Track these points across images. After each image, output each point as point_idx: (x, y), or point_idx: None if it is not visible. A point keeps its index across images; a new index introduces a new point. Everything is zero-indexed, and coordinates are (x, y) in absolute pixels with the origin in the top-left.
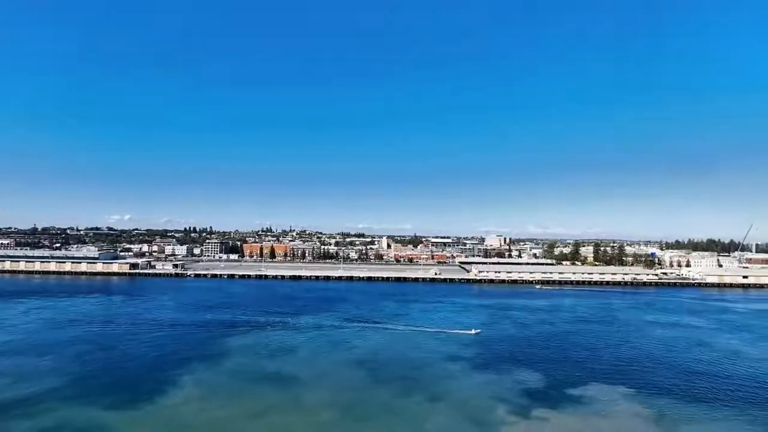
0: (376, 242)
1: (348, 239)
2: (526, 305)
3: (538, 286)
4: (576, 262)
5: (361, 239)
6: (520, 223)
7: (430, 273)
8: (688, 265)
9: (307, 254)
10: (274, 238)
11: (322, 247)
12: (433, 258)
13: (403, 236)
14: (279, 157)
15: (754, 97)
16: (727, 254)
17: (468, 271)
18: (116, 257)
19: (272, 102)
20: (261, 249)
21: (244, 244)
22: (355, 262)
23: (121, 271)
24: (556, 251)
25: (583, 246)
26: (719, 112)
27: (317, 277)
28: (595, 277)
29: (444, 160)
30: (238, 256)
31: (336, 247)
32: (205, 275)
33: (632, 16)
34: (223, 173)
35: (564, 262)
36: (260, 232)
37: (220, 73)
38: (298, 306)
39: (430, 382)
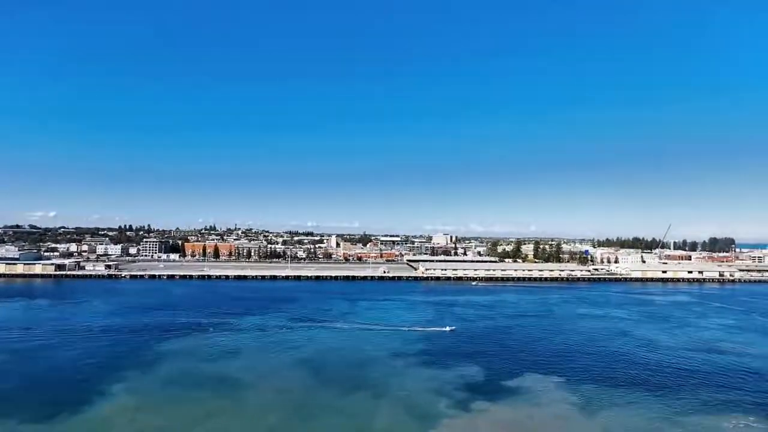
0: (324, 241)
1: (296, 238)
2: (470, 301)
3: (474, 283)
4: (517, 260)
5: (310, 238)
6: (466, 222)
7: (379, 271)
8: (616, 261)
9: (253, 253)
10: (218, 237)
11: (269, 246)
12: (382, 256)
13: (352, 235)
14: (224, 156)
15: (673, 107)
16: (649, 251)
17: (416, 269)
18: (40, 258)
19: (215, 99)
20: (204, 248)
21: (185, 243)
22: (303, 261)
23: (45, 272)
24: (499, 249)
25: (524, 244)
26: (645, 120)
27: (263, 277)
28: (535, 274)
29: (391, 160)
30: (179, 256)
31: (283, 246)
32: (141, 276)
33: None
34: (162, 171)
35: (506, 260)
36: (203, 231)
37: (165, 69)
38: (243, 307)
39: (376, 380)
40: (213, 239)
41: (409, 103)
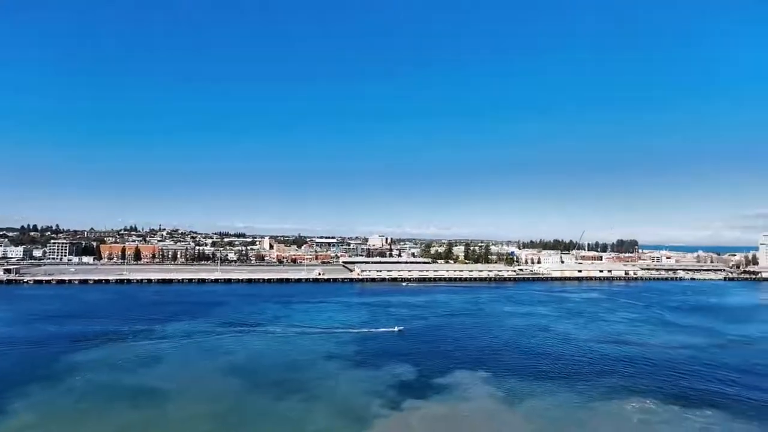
0: (257, 242)
1: (226, 239)
2: (404, 302)
3: (404, 284)
4: (449, 261)
5: (241, 239)
6: (401, 224)
7: (314, 273)
8: (539, 262)
9: (179, 255)
10: (140, 238)
11: (197, 247)
12: (317, 258)
13: (287, 236)
14: (146, 152)
15: (582, 121)
16: (567, 252)
17: (351, 271)
18: None
19: (137, 93)
20: (123, 250)
21: (101, 245)
22: (234, 263)
23: None
24: (432, 251)
25: (456, 246)
26: (561, 132)
27: (191, 281)
28: (465, 274)
29: (328, 162)
30: (94, 259)
31: (213, 248)
32: (48, 281)
33: None
34: (74, 166)
35: (439, 261)
36: (123, 232)
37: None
38: (168, 312)
39: (310, 383)
40: (134, 241)
41: (348, 104)
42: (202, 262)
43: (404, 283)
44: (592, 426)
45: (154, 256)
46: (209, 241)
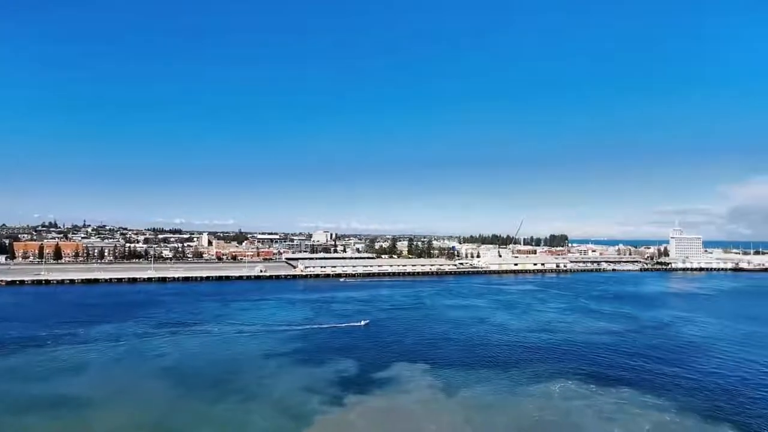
0: (195, 239)
1: (161, 236)
2: (349, 297)
3: (342, 279)
4: (393, 256)
5: (177, 236)
6: (347, 220)
7: (256, 270)
8: (478, 256)
9: (107, 254)
10: (61, 235)
11: (128, 245)
12: (259, 255)
13: (227, 232)
14: (67, 143)
15: (517, 120)
16: (504, 246)
17: (295, 267)
18: None
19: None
20: (41, 248)
21: (15, 243)
22: (169, 261)
23: None
24: (377, 246)
25: (400, 241)
26: (498, 130)
27: (120, 280)
28: (408, 269)
29: (270, 157)
30: (6, 258)
31: (146, 245)
32: None
33: None
34: None
35: (383, 256)
36: (40, 228)
37: None
38: (93, 314)
39: (249, 383)
40: (53, 238)
41: (289, 99)
42: (134, 261)
43: (341, 279)
44: (519, 407)
45: (77, 255)
46: (141, 237)
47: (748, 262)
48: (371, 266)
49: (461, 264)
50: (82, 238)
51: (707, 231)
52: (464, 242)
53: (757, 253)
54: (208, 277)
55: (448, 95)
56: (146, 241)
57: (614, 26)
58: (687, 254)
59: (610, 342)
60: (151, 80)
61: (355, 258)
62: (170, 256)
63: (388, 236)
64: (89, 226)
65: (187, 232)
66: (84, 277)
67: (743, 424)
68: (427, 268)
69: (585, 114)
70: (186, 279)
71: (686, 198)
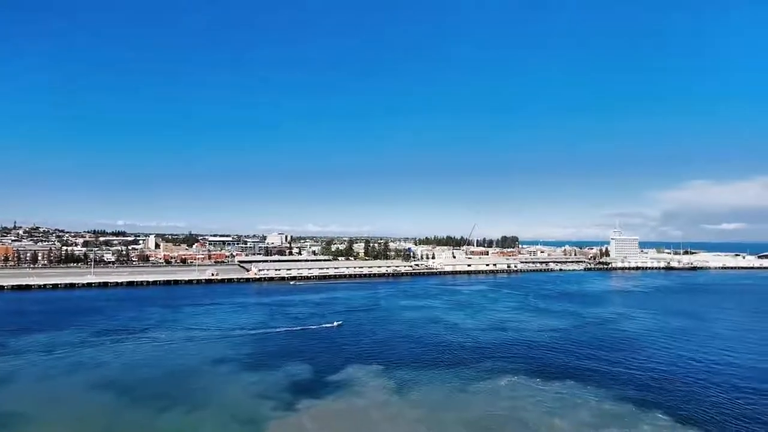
0: (140, 242)
1: (102, 238)
2: (304, 300)
3: (292, 282)
4: (350, 258)
5: (121, 238)
6: (302, 222)
7: (207, 274)
8: (433, 257)
9: (41, 257)
10: None
11: (65, 248)
12: (210, 258)
13: (176, 235)
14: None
15: (469, 126)
16: (458, 248)
17: (248, 270)
18: None
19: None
20: None
21: None
22: (111, 265)
23: None
24: (333, 248)
25: (356, 243)
26: (453, 136)
27: (56, 286)
28: (365, 271)
29: (225, 159)
30: None
31: (85, 248)
32: None
33: None
34: None
35: (340, 258)
36: None
37: None
38: (24, 323)
39: (198, 391)
40: None
41: (247, 99)
42: (71, 265)
43: (292, 282)
44: (468, 404)
45: (7, 259)
46: (80, 240)
47: (678, 262)
48: (327, 268)
49: (417, 265)
50: (13, 240)
51: (643, 232)
52: (420, 244)
53: (686, 253)
54: (155, 282)
55: (408, 105)
56: (86, 244)
57: (558, 48)
58: (625, 254)
59: (556, 338)
60: (105, 76)
61: (311, 260)
62: (113, 259)
63: (344, 238)
64: (20, 227)
65: (131, 234)
66: (14, 284)
67: (672, 409)
68: (383, 270)
69: (534, 128)
70: (130, 284)
71: (625, 202)
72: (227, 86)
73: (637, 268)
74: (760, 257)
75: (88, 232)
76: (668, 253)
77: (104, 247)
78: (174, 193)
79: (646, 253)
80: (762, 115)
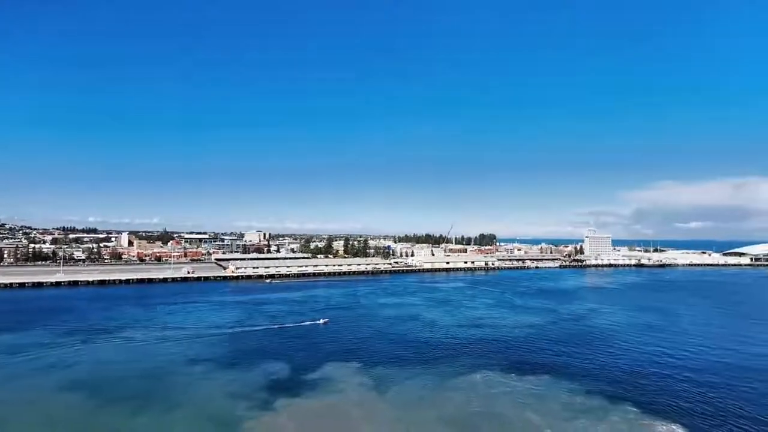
0: (113, 239)
1: (72, 236)
2: (282, 298)
3: (268, 281)
4: (329, 255)
5: (92, 236)
6: (282, 220)
7: (182, 272)
8: (413, 255)
9: (6, 255)
10: None
11: (32, 245)
12: (186, 255)
13: (151, 232)
14: None
15: (444, 130)
16: (437, 245)
17: (225, 268)
18: None
19: None
20: None
21: None
22: (82, 263)
23: None
24: (313, 246)
25: (336, 240)
26: (433, 137)
27: (23, 285)
28: (344, 268)
29: (202, 157)
30: None
31: (54, 246)
32: None
33: None
34: None
35: (319, 256)
36: None
37: None
38: None
39: (172, 391)
40: None
41: (218, 104)
42: (39, 263)
43: (268, 280)
44: (446, 400)
45: None
46: (49, 237)
47: (649, 259)
48: (306, 266)
49: (396, 263)
50: None
51: (616, 231)
52: (399, 241)
53: (656, 250)
54: (128, 280)
55: (388, 105)
56: (55, 241)
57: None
58: (599, 252)
59: (532, 334)
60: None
61: (290, 258)
62: (83, 257)
63: (324, 236)
64: None
65: (103, 231)
66: None
67: (641, 401)
68: (362, 268)
69: (512, 129)
70: (102, 283)
71: (599, 201)
72: (205, 84)
73: (610, 265)
74: (725, 254)
75: (57, 229)
76: (639, 250)
77: (74, 245)
78: (148, 190)
79: (619, 250)
80: (728, 119)
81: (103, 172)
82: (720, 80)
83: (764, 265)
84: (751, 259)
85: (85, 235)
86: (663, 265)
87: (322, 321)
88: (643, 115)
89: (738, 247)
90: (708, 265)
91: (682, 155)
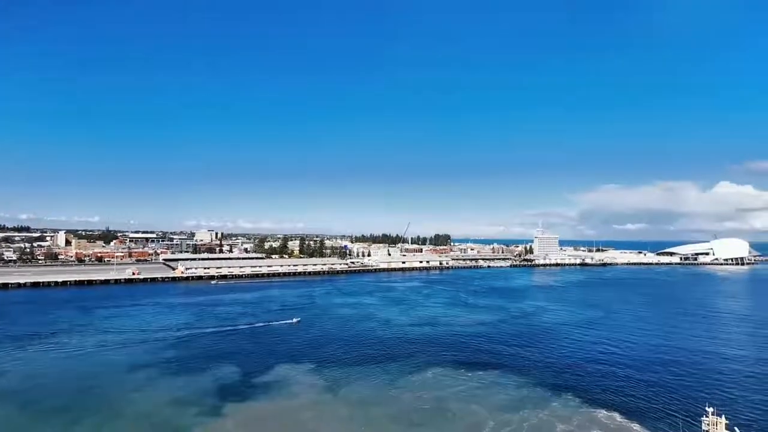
0: (48, 238)
1: (1, 234)
2: (235, 299)
3: (213, 282)
4: (284, 256)
5: (25, 234)
6: (234, 219)
7: (127, 273)
8: (369, 255)
9: None
10: None
11: None
12: (131, 256)
13: (91, 231)
14: None
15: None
16: (394, 245)
17: (174, 269)
18: None
19: None
20: None
21: None
22: (13, 264)
23: None
24: (267, 245)
25: (291, 240)
26: (390, 139)
27: None
28: (300, 269)
29: (154, 153)
30: None
31: None
32: None
33: None
34: None
35: (273, 256)
36: None
37: None
38: None
39: (111, 401)
40: None
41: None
42: None
43: (213, 282)
44: (397, 398)
45: None
46: None
47: (592, 258)
48: (261, 266)
49: (353, 263)
50: None
51: (562, 231)
52: (356, 241)
53: (598, 250)
54: (65, 282)
55: (345, 106)
56: None
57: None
58: (547, 251)
59: (483, 331)
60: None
61: (243, 258)
62: (14, 258)
63: (278, 236)
64: None
65: (37, 230)
66: None
67: (582, 391)
68: (318, 268)
69: (465, 132)
70: (36, 285)
71: (547, 203)
72: (149, 77)
73: (557, 264)
74: (658, 254)
75: None
76: (583, 250)
77: (3, 244)
78: (86, 187)
79: (565, 250)
80: (666, 127)
81: (36, 167)
82: (654, 96)
83: (692, 264)
84: (681, 258)
85: (16, 234)
86: (604, 264)
87: (294, 320)
88: (591, 122)
89: (668, 247)
90: (644, 264)
91: (624, 161)
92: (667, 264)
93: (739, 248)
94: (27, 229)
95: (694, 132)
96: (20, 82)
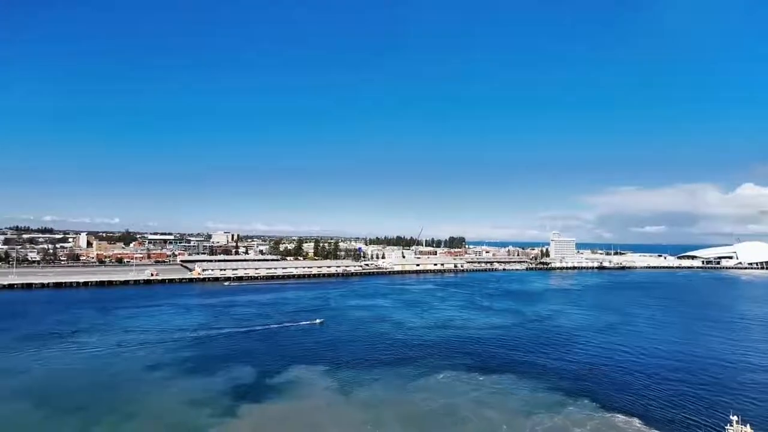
0: (71, 239)
1: (26, 236)
2: (251, 301)
3: (226, 283)
4: (299, 258)
5: (48, 236)
6: (250, 221)
7: (145, 274)
8: (383, 257)
9: None
10: None
11: None
12: (149, 257)
13: (111, 232)
14: None
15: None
16: (408, 248)
17: (191, 270)
18: None
19: None
20: None
21: None
22: (37, 264)
23: None
24: (282, 247)
25: (306, 242)
26: (400, 143)
27: None
28: (314, 271)
29: (170, 155)
30: None
31: (6, 246)
32: None
33: None
34: None
35: (288, 258)
36: None
37: None
38: None
39: (129, 401)
40: None
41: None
42: None
43: (226, 283)
44: (409, 401)
45: None
46: (1, 237)
47: (610, 262)
48: (276, 268)
49: (367, 265)
50: None
51: (579, 234)
52: (370, 244)
53: (616, 254)
54: (86, 283)
55: (360, 108)
56: (7, 241)
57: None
58: (563, 255)
59: (497, 335)
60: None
61: (259, 260)
62: (38, 259)
63: (293, 238)
64: None
65: (60, 231)
66: None
67: (599, 396)
68: (333, 270)
69: (481, 133)
70: (58, 285)
71: (564, 205)
72: (171, 83)
73: (574, 267)
74: (679, 257)
75: (10, 228)
76: (601, 253)
77: (28, 245)
78: (108, 189)
79: (582, 253)
80: (684, 128)
81: (60, 169)
82: (681, 95)
83: (714, 268)
84: (702, 261)
85: (40, 235)
86: (623, 268)
87: (318, 321)
88: (608, 122)
89: (689, 250)
90: (663, 267)
91: (642, 163)
92: (689, 268)
93: (764, 252)
94: (50, 231)
95: (715, 132)
96: (46, 80)
